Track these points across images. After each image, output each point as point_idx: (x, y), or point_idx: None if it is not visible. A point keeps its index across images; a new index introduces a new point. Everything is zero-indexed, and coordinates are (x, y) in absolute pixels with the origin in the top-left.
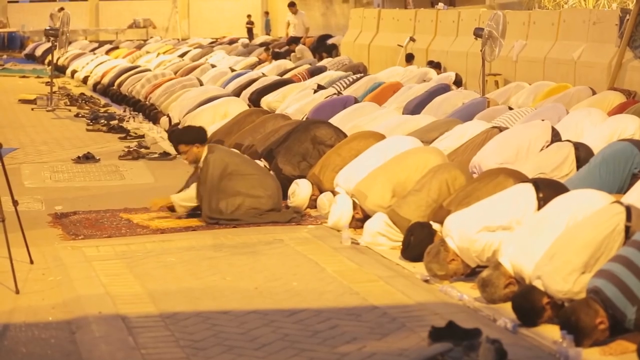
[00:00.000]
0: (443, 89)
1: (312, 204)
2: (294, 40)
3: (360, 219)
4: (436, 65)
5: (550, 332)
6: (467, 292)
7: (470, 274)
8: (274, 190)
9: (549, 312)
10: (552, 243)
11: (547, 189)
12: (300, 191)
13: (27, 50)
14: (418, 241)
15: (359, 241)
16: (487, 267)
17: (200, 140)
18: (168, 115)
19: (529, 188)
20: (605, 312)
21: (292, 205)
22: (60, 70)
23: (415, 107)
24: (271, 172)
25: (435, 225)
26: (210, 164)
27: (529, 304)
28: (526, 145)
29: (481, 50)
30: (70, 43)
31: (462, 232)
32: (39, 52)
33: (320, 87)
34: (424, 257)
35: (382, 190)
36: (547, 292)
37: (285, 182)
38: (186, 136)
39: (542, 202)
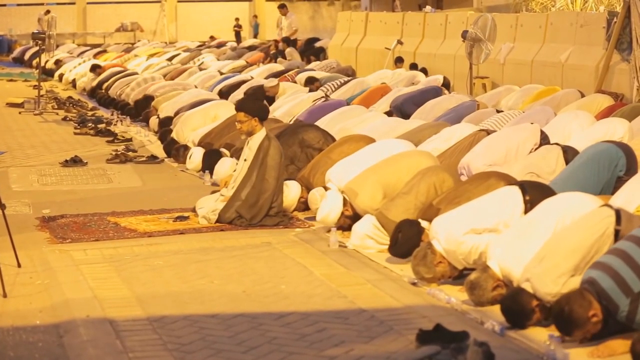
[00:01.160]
0: (435, 90)
1: (301, 206)
2: (287, 41)
3: (349, 217)
4: (422, 70)
5: (538, 335)
6: (454, 295)
7: (458, 276)
8: (281, 201)
9: (537, 314)
10: (542, 246)
11: (534, 192)
12: (289, 192)
13: (15, 53)
14: (406, 238)
15: (347, 244)
16: (475, 270)
17: (261, 116)
18: (158, 116)
19: (516, 190)
20: (599, 304)
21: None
22: (48, 73)
23: (404, 102)
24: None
25: (424, 223)
26: (272, 147)
27: (518, 306)
28: (515, 148)
29: (468, 53)
30: (57, 46)
31: (448, 234)
32: (27, 56)
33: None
34: (412, 260)
35: (372, 190)
36: (536, 295)
37: None
38: (251, 107)
39: (528, 205)
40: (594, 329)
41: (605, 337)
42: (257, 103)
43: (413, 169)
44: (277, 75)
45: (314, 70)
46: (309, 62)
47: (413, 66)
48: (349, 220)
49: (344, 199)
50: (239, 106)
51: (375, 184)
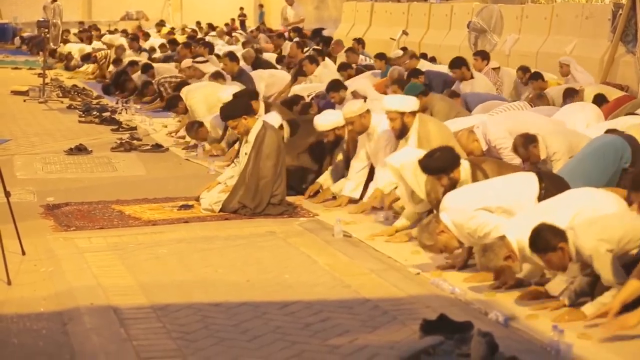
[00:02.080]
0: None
1: (331, 134)
2: (297, 30)
3: (404, 124)
4: (431, 60)
5: (542, 326)
6: (459, 286)
7: (463, 267)
8: (283, 189)
9: (556, 256)
10: (591, 215)
11: (549, 181)
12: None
13: (25, 34)
14: (441, 157)
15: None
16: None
17: (246, 112)
18: None
19: (533, 177)
20: None
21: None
22: (52, 55)
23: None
24: None
25: (464, 162)
26: (267, 135)
27: (548, 235)
28: (534, 129)
29: (472, 44)
30: (63, 33)
31: (460, 207)
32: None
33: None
34: (417, 230)
35: (443, 134)
36: (574, 242)
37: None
38: (232, 111)
39: (543, 192)
40: None
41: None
42: (234, 103)
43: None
44: None
45: None
46: None
47: (422, 56)
48: (399, 124)
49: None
50: (223, 117)
51: (448, 135)
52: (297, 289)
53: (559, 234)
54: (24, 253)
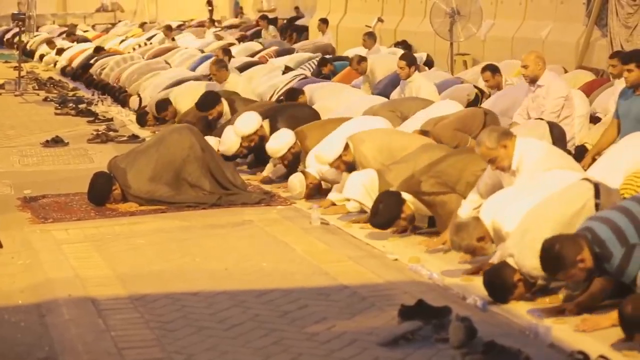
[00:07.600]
0: None
1: (289, 156)
2: (265, 18)
3: (346, 163)
4: (405, 47)
5: (520, 310)
6: (436, 271)
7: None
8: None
9: (520, 289)
10: (523, 218)
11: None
12: (280, 136)
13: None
14: (386, 209)
15: (325, 220)
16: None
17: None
18: (139, 95)
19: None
20: (590, 253)
21: (269, 147)
22: (28, 55)
23: (384, 87)
24: None
25: (405, 195)
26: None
27: (500, 280)
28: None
29: (448, 30)
30: (38, 28)
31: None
32: (8, 36)
33: (287, 69)
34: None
35: (380, 145)
36: (520, 270)
37: None
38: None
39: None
40: (578, 275)
41: (589, 309)
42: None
43: (419, 143)
44: (254, 54)
45: (294, 48)
46: (291, 40)
47: (399, 44)
48: (343, 166)
49: (346, 144)
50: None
51: (383, 141)
52: (275, 277)
53: (506, 268)
54: (1, 246)
